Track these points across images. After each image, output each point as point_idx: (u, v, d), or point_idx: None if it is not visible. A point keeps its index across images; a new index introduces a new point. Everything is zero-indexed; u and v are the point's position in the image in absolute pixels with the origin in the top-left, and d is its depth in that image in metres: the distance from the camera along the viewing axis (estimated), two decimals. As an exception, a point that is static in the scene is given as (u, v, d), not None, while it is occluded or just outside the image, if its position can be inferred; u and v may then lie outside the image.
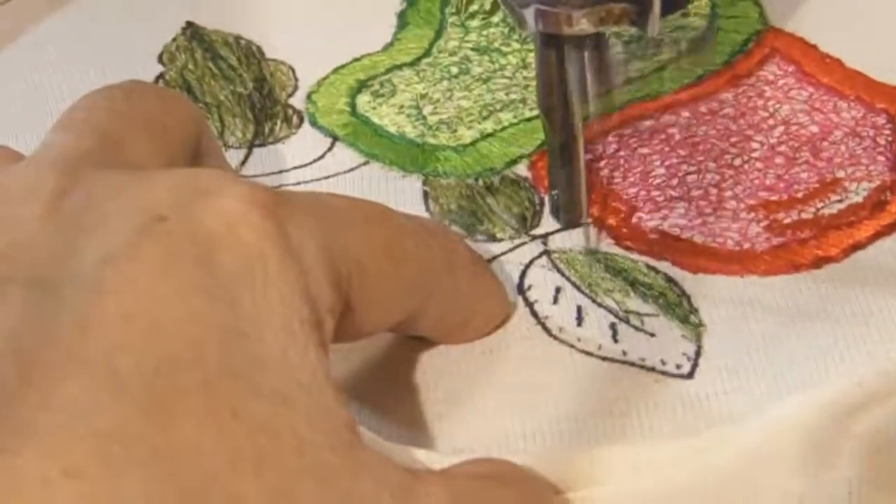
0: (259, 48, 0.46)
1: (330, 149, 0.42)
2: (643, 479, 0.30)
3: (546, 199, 0.39)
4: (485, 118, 0.42)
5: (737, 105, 0.42)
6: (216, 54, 0.46)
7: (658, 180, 0.39)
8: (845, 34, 0.44)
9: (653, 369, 0.34)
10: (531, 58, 0.44)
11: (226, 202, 0.25)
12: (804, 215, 0.38)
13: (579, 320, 0.35)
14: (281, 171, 0.41)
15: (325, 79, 0.44)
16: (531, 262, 0.37)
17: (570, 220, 0.37)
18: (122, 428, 0.22)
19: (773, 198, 0.38)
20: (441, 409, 0.33)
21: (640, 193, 0.39)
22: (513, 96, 0.43)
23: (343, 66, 0.45)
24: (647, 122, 0.41)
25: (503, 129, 0.42)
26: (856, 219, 0.37)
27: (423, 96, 0.43)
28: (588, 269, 0.36)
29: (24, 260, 0.25)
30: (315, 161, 0.41)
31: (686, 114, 0.41)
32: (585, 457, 0.30)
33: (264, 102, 0.44)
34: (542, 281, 0.36)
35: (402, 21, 0.47)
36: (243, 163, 0.41)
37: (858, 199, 0.38)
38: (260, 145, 0.42)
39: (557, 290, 0.36)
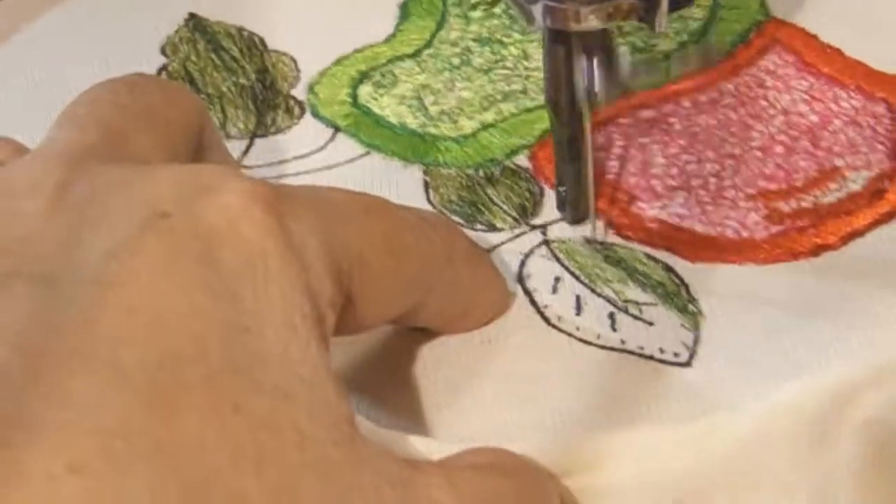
0: (261, 39, 0.46)
1: (331, 139, 0.42)
2: (642, 466, 0.30)
3: (544, 190, 0.39)
4: (486, 109, 0.42)
5: (737, 95, 0.42)
6: (218, 46, 0.46)
7: (658, 170, 0.39)
8: (845, 24, 0.44)
9: (651, 358, 0.34)
10: (532, 49, 0.44)
11: (228, 198, 0.25)
12: (803, 204, 0.38)
13: (578, 309, 0.35)
14: (282, 162, 0.41)
15: (326, 70, 0.45)
16: (531, 251, 0.37)
17: (577, 215, 0.37)
18: (126, 423, 0.22)
19: (773, 187, 0.39)
20: (440, 399, 0.33)
21: (639, 183, 0.39)
22: (514, 87, 0.43)
23: (345, 58, 0.45)
24: (648, 112, 0.41)
25: (504, 119, 0.42)
26: (854, 207, 0.38)
27: (424, 87, 0.43)
28: (588, 259, 0.37)
29: (29, 254, 0.25)
30: (316, 152, 0.41)
31: (686, 103, 0.42)
32: (584, 445, 0.30)
33: (266, 93, 0.44)
34: (542, 270, 0.36)
35: (404, 12, 0.47)
36: (245, 153, 0.42)
37: (857, 187, 0.38)
38: (262, 136, 0.42)
39: (557, 279, 0.36)
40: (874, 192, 0.38)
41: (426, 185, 0.40)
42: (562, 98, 0.36)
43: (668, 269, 0.36)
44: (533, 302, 0.35)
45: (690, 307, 0.35)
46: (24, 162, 0.28)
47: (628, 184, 0.39)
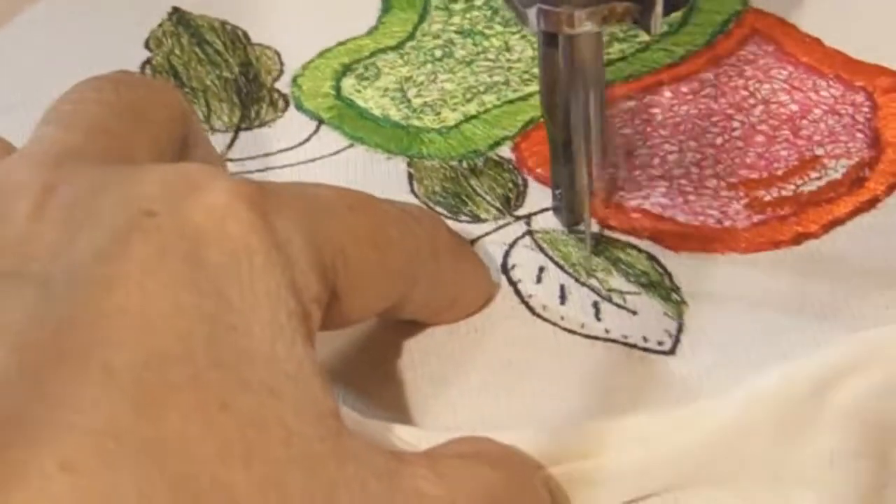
0: (245, 33, 0.46)
1: (315, 132, 0.42)
2: (626, 453, 0.30)
3: (528, 181, 0.39)
4: (468, 101, 0.42)
5: (717, 85, 0.42)
6: (202, 39, 0.46)
7: (640, 160, 0.40)
8: (824, 13, 0.44)
9: (635, 346, 0.34)
10: (514, 40, 0.44)
11: (213, 197, 0.25)
12: (784, 193, 0.38)
13: (562, 299, 0.35)
14: (267, 155, 0.41)
15: (310, 63, 0.45)
16: (515, 242, 0.37)
17: (572, 218, 0.37)
18: (114, 423, 0.22)
19: (754, 176, 0.39)
20: (427, 390, 0.33)
21: (621, 173, 0.39)
22: (496, 78, 0.43)
23: (328, 50, 0.45)
24: (629, 103, 0.42)
25: (486, 111, 0.42)
26: (835, 195, 0.38)
27: (407, 79, 0.43)
28: (572, 249, 0.37)
29: (16, 256, 0.25)
30: (301, 144, 0.42)
31: (667, 94, 0.42)
32: (570, 433, 0.30)
33: (250, 87, 0.44)
34: (526, 261, 0.37)
35: (387, 5, 0.47)
36: (230, 146, 0.42)
37: (837, 175, 0.38)
38: (246, 129, 0.42)
39: (541, 269, 0.36)
40: (854, 180, 0.38)
41: (410, 177, 0.40)
42: (556, 100, 0.35)
43: (651, 257, 0.37)
44: (517, 292, 0.36)
45: (674, 296, 0.35)
46: (9, 163, 0.28)
47: (610, 174, 0.39)
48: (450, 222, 0.37)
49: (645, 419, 0.30)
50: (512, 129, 0.41)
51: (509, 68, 0.43)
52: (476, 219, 0.38)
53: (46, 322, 0.23)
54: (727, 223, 0.37)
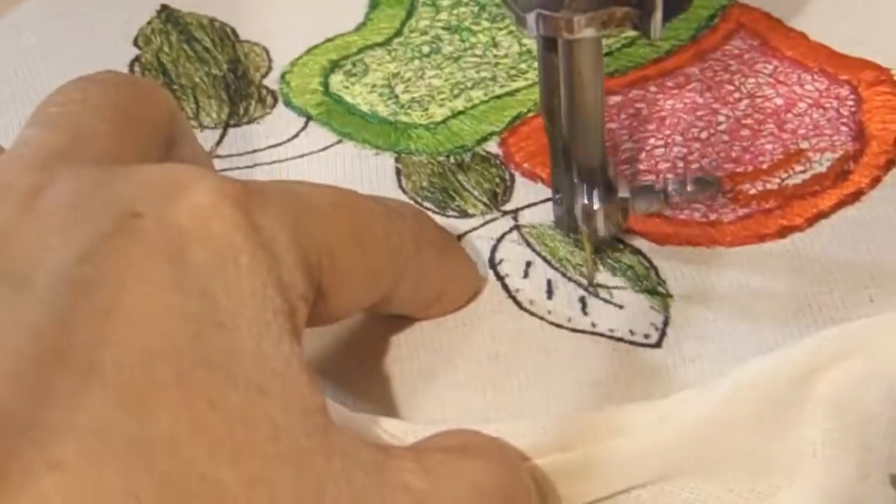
0: (233, 30, 0.46)
1: (304, 128, 0.42)
2: (612, 445, 0.30)
3: (514, 176, 0.39)
4: (456, 96, 0.42)
5: (703, 79, 0.42)
6: (191, 37, 0.46)
7: (626, 154, 0.40)
8: (809, 8, 0.44)
9: (621, 340, 0.34)
10: (501, 36, 0.45)
11: (198, 197, 0.25)
12: (769, 186, 0.38)
13: (549, 293, 0.36)
14: (255, 151, 0.41)
15: (298, 59, 0.45)
16: (502, 236, 0.37)
17: (572, 222, 0.37)
18: (102, 421, 0.22)
19: (739, 169, 0.39)
20: (416, 383, 0.33)
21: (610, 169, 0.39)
22: (483, 74, 0.43)
23: (316, 47, 0.45)
24: (615, 98, 0.42)
25: (474, 106, 0.42)
26: (819, 188, 0.38)
27: (394, 75, 0.44)
28: (559, 244, 0.37)
29: (3, 257, 0.25)
30: (289, 140, 0.42)
31: (653, 88, 0.42)
32: (557, 425, 0.30)
33: (239, 83, 0.44)
34: (513, 255, 0.37)
35: (374, 1, 0.47)
36: (218, 143, 0.42)
37: (822, 169, 0.39)
38: (235, 125, 0.43)
39: (528, 264, 0.37)
40: (839, 174, 0.38)
41: (398, 173, 0.40)
42: (556, 105, 0.35)
43: (637, 251, 0.37)
44: (505, 287, 0.36)
45: (659, 289, 0.36)
46: None
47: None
48: (437, 217, 0.37)
49: (631, 411, 0.30)
50: (499, 124, 0.41)
51: (496, 64, 0.43)
52: (463, 214, 0.38)
53: (32, 323, 0.23)
54: (712, 216, 0.38)
